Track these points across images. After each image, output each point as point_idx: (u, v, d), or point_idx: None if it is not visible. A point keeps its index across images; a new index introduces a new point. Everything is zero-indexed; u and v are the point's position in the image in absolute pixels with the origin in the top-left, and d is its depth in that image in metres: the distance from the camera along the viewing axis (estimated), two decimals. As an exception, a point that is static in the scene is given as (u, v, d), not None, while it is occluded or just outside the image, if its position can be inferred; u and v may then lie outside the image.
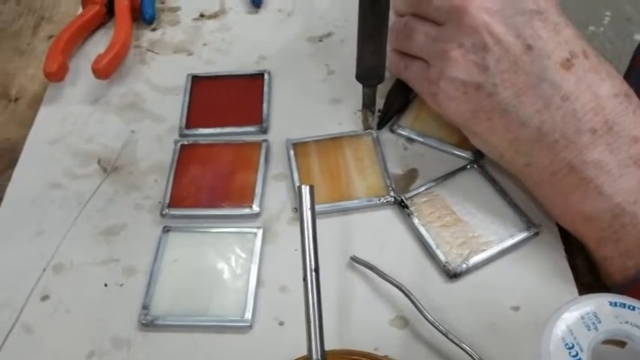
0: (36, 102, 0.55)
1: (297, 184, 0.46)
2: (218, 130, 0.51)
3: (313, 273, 0.31)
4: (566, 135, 0.39)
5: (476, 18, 0.40)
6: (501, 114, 0.41)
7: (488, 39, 0.40)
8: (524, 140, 0.41)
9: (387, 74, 0.49)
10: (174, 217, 0.46)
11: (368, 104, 0.49)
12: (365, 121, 0.50)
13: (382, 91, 0.51)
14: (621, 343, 0.30)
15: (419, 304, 0.39)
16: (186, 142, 0.50)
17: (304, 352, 0.32)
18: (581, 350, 0.29)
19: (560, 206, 0.42)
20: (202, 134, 0.51)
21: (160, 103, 0.53)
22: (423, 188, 0.46)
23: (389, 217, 0.45)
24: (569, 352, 0.29)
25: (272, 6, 0.61)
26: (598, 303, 0.30)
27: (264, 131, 0.51)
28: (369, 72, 0.47)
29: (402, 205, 0.45)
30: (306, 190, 0.32)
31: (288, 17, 0.60)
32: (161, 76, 0.56)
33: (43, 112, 0.53)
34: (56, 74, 0.53)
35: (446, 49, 0.42)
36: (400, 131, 0.50)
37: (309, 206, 0.32)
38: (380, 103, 0.51)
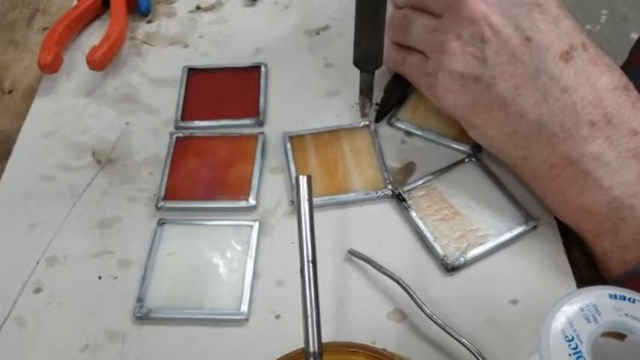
0: (30, 94, 0.54)
1: (293, 177, 0.46)
2: (214, 122, 0.50)
3: (310, 264, 0.31)
4: (565, 128, 0.39)
5: (474, 9, 0.40)
6: (500, 106, 0.41)
7: (486, 31, 0.40)
8: (522, 133, 0.41)
9: (385, 67, 0.49)
10: (169, 209, 0.45)
11: (365, 90, 0.49)
12: (362, 108, 0.49)
13: (380, 84, 0.51)
14: (621, 336, 0.30)
15: (417, 298, 0.39)
16: (181, 135, 0.49)
17: (301, 345, 0.32)
18: (581, 342, 0.28)
19: (558, 199, 0.42)
20: (198, 127, 0.50)
21: (155, 96, 0.53)
22: (420, 181, 0.46)
23: (386, 210, 0.45)
24: (569, 345, 0.28)
25: (269, -2, 0.61)
26: (598, 295, 0.30)
27: (261, 124, 0.50)
28: (366, 57, 0.46)
29: (399, 199, 0.45)
30: (303, 181, 0.32)
31: (284, 10, 0.60)
32: (156, 68, 0.55)
33: (37, 104, 0.53)
34: (51, 66, 0.53)
35: (444, 40, 0.42)
36: (398, 124, 0.49)
37: (306, 197, 0.31)
38: (378, 96, 0.50)
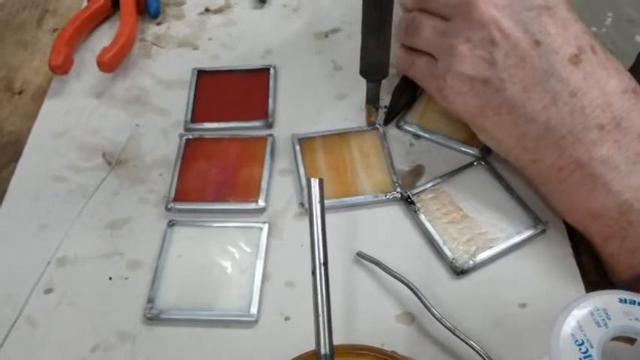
0: (40, 95, 0.55)
1: (303, 179, 0.46)
2: (223, 124, 0.51)
3: (322, 267, 0.31)
4: (574, 131, 0.39)
5: (484, 13, 0.40)
6: (509, 110, 0.41)
7: (496, 34, 0.40)
8: (531, 136, 0.41)
9: (393, 71, 0.49)
10: (179, 211, 0.45)
11: (372, 100, 0.49)
12: (369, 116, 0.50)
13: (389, 87, 0.51)
14: (631, 340, 0.30)
15: (426, 301, 0.39)
16: (191, 137, 0.50)
17: (310, 347, 0.32)
18: (591, 347, 0.28)
19: (566, 203, 0.42)
20: (208, 129, 0.50)
21: (164, 97, 0.53)
22: (429, 184, 0.46)
23: (395, 213, 0.45)
24: (580, 349, 0.28)
25: (277, 1, 0.61)
26: (607, 300, 0.30)
27: (270, 126, 0.50)
28: (373, 67, 0.46)
29: (408, 202, 0.45)
30: (315, 184, 0.32)
31: (293, 12, 0.60)
32: (166, 70, 0.55)
33: (48, 105, 0.53)
34: (61, 67, 0.53)
35: (453, 43, 0.42)
36: (407, 127, 0.50)
37: (318, 199, 0.31)
38: (386, 99, 0.51)
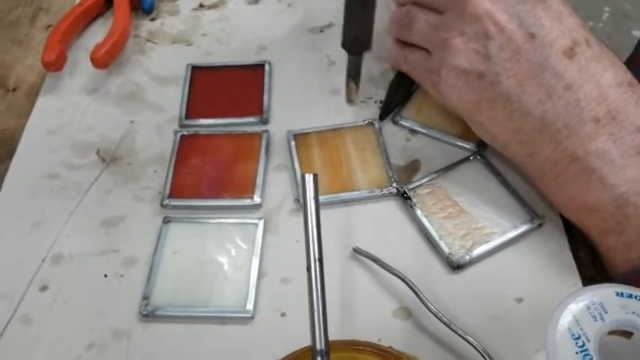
0: (34, 92, 0.54)
1: (298, 175, 0.46)
2: (218, 120, 0.50)
3: (317, 263, 0.31)
4: (569, 125, 0.39)
5: (478, 6, 0.40)
6: (504, 104, 0.41)
7: (490, 27, 0.40)
8: (526, 130, 0.41)
9: (388, 65, 0.49)
10: (174, 207, 0.45)
11: (353, 74, 0.48)
12: (349, 92, 0.49)
13: (384, 82, 0.51)
14: (627, 334, 0.30)
15: (422, 296, 0.39)
16: (186, 133, 0.49)
17: (306, 343, 0.32)
18: (588, 341, 0.28)
19: (563, 197, 0.42)
20: (202, 125, 0.50)
21: (159, 94, 0.53)
22: (425, 179, 0.46)
23: (391, 208, 0.45)
24: (576, 343, 0.28)
25: (272, -4, 0.61)
26: (604, 293, 0.30)
27: (265, 122, 0.50)
28: (355, 39, 0.46)
29: (404, 197, 0.45)
30: (309, 179, 0.32)
31: (288, 7, 0.59)
32: (160, 66, 0.55)
33: (41, 102, 0.53)
34: (54, 64, 0.53)
35: (447, 37, 0.42)
36: (402, 122, 0.49)
37: (312, 195, 0.31)
38: (381, 94, 0.50)
